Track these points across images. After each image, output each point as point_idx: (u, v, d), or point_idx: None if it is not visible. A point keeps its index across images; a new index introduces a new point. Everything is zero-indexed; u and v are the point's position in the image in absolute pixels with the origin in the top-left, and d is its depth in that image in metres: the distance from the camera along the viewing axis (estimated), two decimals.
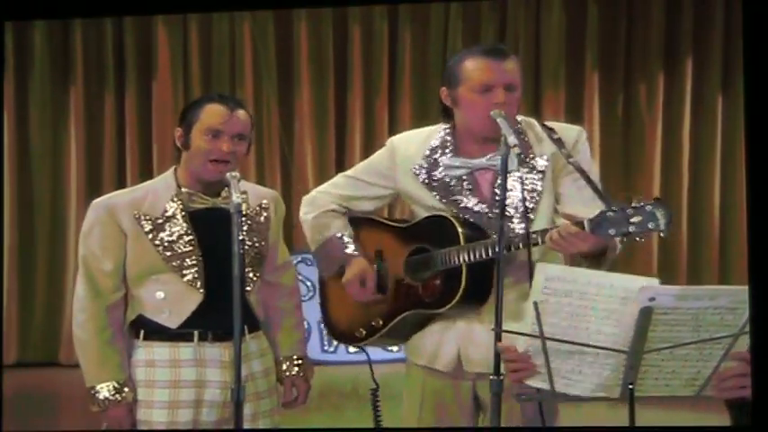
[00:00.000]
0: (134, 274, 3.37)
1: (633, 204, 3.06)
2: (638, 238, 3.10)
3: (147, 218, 3.37)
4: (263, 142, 8.18)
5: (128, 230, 3.37)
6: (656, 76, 8.17)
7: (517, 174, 3.27)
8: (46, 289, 8.14)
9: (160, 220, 3.37)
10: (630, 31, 8.17)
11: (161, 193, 3.40)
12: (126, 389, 3.35)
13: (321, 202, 3.57)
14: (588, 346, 2.81)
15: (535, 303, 2.81)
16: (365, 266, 3.48)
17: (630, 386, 2.84)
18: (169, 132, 8.55)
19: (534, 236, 3.21)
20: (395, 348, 7.03)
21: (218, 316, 3.26)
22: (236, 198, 3.10)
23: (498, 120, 3.16)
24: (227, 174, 3.22)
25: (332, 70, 8.20)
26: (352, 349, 7.12)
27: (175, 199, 3.39)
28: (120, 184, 8.12)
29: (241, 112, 3.38)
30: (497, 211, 3.21)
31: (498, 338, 2.88)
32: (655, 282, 2.77)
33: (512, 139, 3.02)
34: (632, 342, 2.80)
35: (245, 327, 3.32)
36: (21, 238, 8.09)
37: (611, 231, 3.08)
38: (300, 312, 3.63)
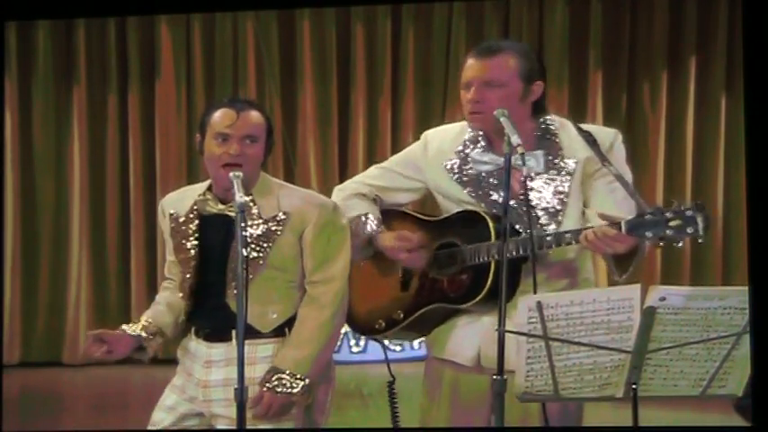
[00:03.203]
0: None
1: (673, 208, 3.05)
2: (675, 243, 3.09)
3: (174, 217, 3.45)
4: None
5: (165, 228, 3.51)
6: (660, 74, 8.16)
7: (545, 175, 3.30)
8: (49, 289, 8.14)
9: (181, 221, 3.43)
10: (634, 30, 8.15)
11: (192, 196, 3.45)
12: (136, 323, 3.46)
13: (351, 188, 3.60)
14: (591, 345, 2.81)
15: (538, 303, 2.81)
16: (396, 233, 3.48)
17: (634, 386, 2.84)
18: (172, 131, 8.59)
19: (568, 236, 3.22)
20: (398, 348, 7.02)
21: (203, 318, 3.41)
22: (239, 198, 3.10)
23: (501, 119, 3.16)
24: (230, 174, 3.22)
25: (335, 69, 8.19)
26: (354, 349, 7.17)
27: (197, 202, 3.42)
28: (123, 183, 8.13)
29: (252, 114, 3.36)
30: (525, 208, 3.23)
31: (502, 338, 2.88)
32: (636, 289, 2.80)
33: (515, 139, 3.03)
34: (636, 342, 2.81)
35: (233, 332, 3.31)
36: (24, 237, 8.10)
37: (649, 234, 3.07)
38: (316, 330, 3.34)
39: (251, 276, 3.27)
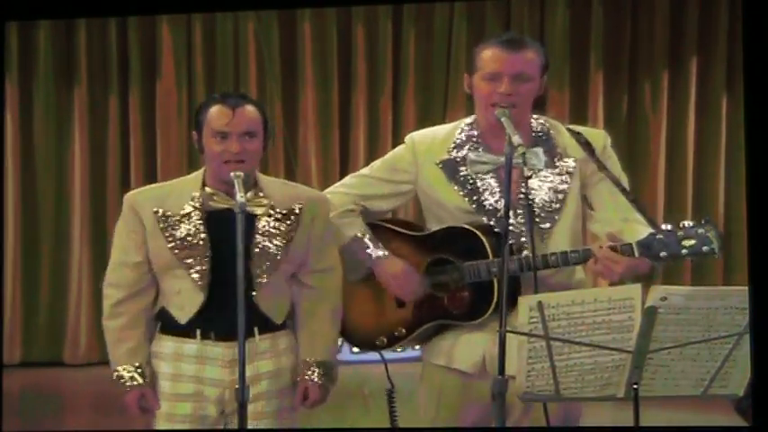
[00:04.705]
0: (155, 267, 3.46)
1: (682, 225, 3.04)
2: (690, 260, 3.10)
3: (166, 214, 3.42)
4: None
5: (147, 225, 3.44)
6: (661, 75, 8.16)
7: (543, 173, 3.29)
8: (50, 289, 8.13)
9: (177, 218, 3.41)
10: (635, 31, 8.15)
11: (185, 191, 3.45)
12: (137, 374, 3.46)
13: (338, 202, 3.52)
14: (592, 345, 2.81)
15: (539, 303, 2.82)
16: (404, 264, 3.45)
17: (635, 386, 2.84)
18: (173, 132, 8.58)
19: (574, 255, 3.22)
20: (398, 348, 7.02)
21: (223, 316, 3.35)
22: (239, 198, 3.12)
23: (503, 119, 3.16)
24: (231, 173, 3.23)
25: (336, 70, 8.19)
26: (355, 349, 7.18)
27: (195, 198, 3.41)
28: (124, 184, 8.11)
29: (248, 109, 3.39)
30: (521, 212, 3.22)
31: (503, 340, 2.87)
32: (637, 289, 2.80)
33: (516, 139, 3.02)
34: (637, 342, 2.81)
35: (255, 328, 3.37)
36: (25, 238, 8.09)
37: (663, 254, 3.07)
38: (331, 317, 3.49)
39: (271, 271, 3.37)
